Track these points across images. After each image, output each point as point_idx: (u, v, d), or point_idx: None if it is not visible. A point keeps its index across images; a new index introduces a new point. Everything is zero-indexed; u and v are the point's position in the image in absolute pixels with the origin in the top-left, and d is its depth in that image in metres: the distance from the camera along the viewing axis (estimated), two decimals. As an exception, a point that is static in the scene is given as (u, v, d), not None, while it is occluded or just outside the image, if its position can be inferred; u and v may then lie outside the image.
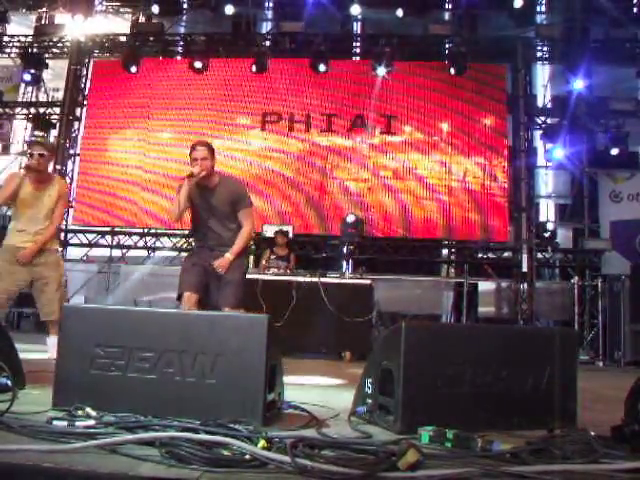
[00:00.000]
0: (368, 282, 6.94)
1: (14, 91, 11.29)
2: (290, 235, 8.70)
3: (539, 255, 9.74)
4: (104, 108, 10.57)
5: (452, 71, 9.77)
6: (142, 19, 10.97)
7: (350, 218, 9.51)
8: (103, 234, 10.48)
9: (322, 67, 9.99)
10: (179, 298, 3.83)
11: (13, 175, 4.45)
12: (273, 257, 7.59)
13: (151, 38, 10.66)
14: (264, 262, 7.58)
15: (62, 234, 10.46)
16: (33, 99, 11.28)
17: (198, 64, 10.12)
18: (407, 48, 10.06)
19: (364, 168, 9.99)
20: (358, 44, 10.69)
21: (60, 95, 10.90)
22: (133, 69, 10.26)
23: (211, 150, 3.81)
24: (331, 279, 6.96)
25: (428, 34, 9.92)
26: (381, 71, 9.84)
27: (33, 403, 2.26)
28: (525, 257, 9.45)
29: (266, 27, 11.17)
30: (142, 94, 10.47)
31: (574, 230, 10.26)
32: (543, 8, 10.62)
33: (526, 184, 9.64)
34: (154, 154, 10.36)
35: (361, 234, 9.65)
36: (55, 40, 10.88)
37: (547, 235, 9.64)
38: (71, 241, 10.58)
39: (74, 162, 10.61)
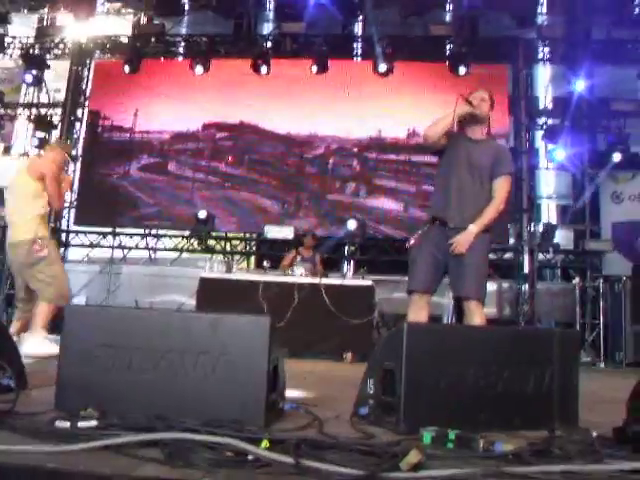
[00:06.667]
0: (369, 283, 6.94)
1: (16, 92, 11.32)
2: (291, 237, 8.72)
3: (540, 256, 9.72)
4: (105, 109, 10.58)
5: (453, 72, 9.77)
6: (143, 20, 10.98)
7: (351, 219, 9.50)
8: (104, 235, 10.49)
9: (322, 68, 9.99)
10: (410, 293, 3.47)
11: None
12: (299, 258, 7.57)
13: (152, 39, 10.67)
14: (287, 262, 7.53)
15: (63, 235, 10.49)
16: (34, 100, 11.28)
17: (199, 65, 10.12)
18: (408, 49, 10.06)
19: (365, 168, 9.99)
20: (359, 45, 10.69)
21: (61, 96, 10.92)
22: (134, 70, 10.27)
23: (492, 101, 3.60)
24: (332, 280, 6.96)
25: (429, 35, 9.91)
26: (382, 68, 9.83)
27: (35, 404, 2.26)
28: (526, 258, 9.45)
29: (267, 28, 11.18)
30: (143, 95, 10.48)
31: (575, 231, 10.25)
32: (544, 9, 10.61)
33: (527, 185, 9.64)
34: (155, 154, 10.37)
35: (362, 235, 9.64)
36: (57, 41, 10.90)
37: (548, 236, 9.61)
38: (72, 242, 10.59)
39: (75, 163, 10.62)
